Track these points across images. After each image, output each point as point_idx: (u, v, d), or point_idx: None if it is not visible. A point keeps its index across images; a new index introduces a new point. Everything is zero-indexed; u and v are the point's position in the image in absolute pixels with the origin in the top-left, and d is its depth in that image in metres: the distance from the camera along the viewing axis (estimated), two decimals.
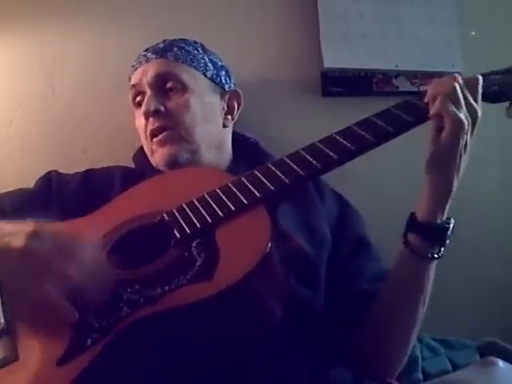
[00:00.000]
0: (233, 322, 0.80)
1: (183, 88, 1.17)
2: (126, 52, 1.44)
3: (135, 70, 1.21)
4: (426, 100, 0.93)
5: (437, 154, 0.92)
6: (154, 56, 1.20)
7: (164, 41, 1.24)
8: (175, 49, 1.20)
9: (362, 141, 0.89)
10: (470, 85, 0.93)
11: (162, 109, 1.15)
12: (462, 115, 0.88)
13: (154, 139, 1.16)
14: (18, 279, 0.76)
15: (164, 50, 1.20)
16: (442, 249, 0.96)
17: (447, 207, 0.96)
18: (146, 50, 1.23)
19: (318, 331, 1.03)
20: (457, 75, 0.93)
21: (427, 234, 0.96)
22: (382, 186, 1.55)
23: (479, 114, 0.92)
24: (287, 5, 1.57)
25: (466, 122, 0.88)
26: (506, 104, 0.99)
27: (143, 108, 1.16)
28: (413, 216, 0.98)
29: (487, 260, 1.66)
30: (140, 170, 1.22)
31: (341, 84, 1.57)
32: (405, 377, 1.14)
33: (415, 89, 1.61)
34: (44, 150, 1.43)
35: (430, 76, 1.62)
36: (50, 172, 1.20)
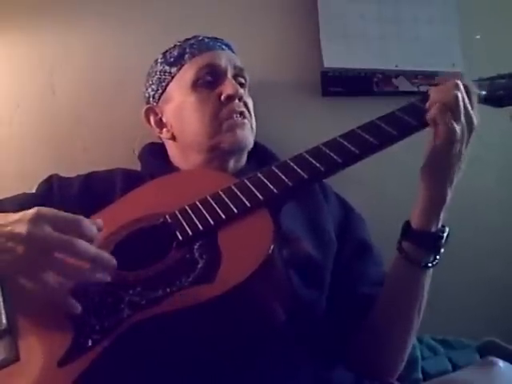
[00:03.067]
0: (235, 324, 0.80)
1: (246, 85, 1.23)
2: (126, 51, 1.45)
3: (208, 49, 1.20)
4: (427, 105, 0.93)
5: (430, 161, 0.93)
6: (227, 48, 1.24)
7: (217, 37, 1.26)
8: (234, 50, 1.27)
9: (366, 144, 0.89)
10: (468, 91, 0.92)
11: (244, 99, 1.18)
12: (456, 124, 0.88)
13: (234, 118, 1.15)
14: (23, 267, 0.76)
15: (231, 46, 1.27)
16: (438, 257, 0.96)
17: (441, 216, 0.96)
18: (208, 37, 1.24)
19: (321, 333, 1.04)
20: (459, 82, 0.93)
21: (421, 241, 0.96)
22: (384, 190, 1.56)
23: (475, 122, 0.91)
24: (287, 5, 1.58)
25: (459, 132, 0.88)
26: (510, 108, 0.99)
27: (231, 89, 1.15)
28: (407, 223, 0.98)
29: (487, 260, 1.66)
30: (146, 170, 1.22)
31: (341, 84, 1.57)
32: (405, 377, 1.14)
33: (415, 89, 1.61)
34: (44, 149, 1.43)
35: (430, 76, 1.62)
36: (51, 176, 1.19)
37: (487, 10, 1.72)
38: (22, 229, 0.76)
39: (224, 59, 1.19)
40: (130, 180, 1.15)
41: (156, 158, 1.24)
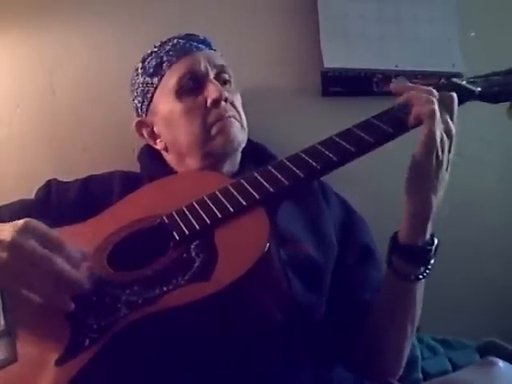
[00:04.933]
0: (232, 323, 0.80)
1: (231, 82, 1.20)
2: (126, 51, 1.45)
3: (185, 55, 1.17)
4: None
5: (411, 172, 0.91)
6: (204, 46, 1.20)
7: (189, 34, 1.23)
8: (212, 44, 1.23)
9: (361, 142, 0.89)
10: (444, 102, 0.91)
11: (230, 99, 1.16)
12: (437, 131, 0.87)
13: (219, 122, 1.13)
14: (8, 272, 0.76)
15: (210, 43, 1.23)
16: (428, 268, 0.95)
17: (428, 228, 0.94)
18: (182, 38, 1.21)
19: (320, 334, 1.04)
20: (433, 90, 0.92)
21: (408, 256, 0.95)
22: (380, 188, 1.56)
23: (454, 131, 0.90)
24: (287, 5, 1.57)
25: (438, 139, 0.87)
26: (507, 104, 0.99)
27: (215, 94, 1.12)
28: (395, 236, 0.97)
29: (487, 260, 1.66)
30: (145, 172, 1.22)
31: (341, 84, 1.57)
32: (405, 377, 1.14)
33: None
34: (44, 149, 1.43)
35: (429, 76, 1.62)
36: (50, 181, 1.19)
37: (487, 11, 1.72)
38: (7, 236, 0.76)
39: (203, 61, 1.16)
40: (128, 183, 1.15)
41: (153, 159, 1.23)
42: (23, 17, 1.42)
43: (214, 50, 1.23)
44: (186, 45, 1.19)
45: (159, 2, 1.50)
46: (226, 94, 1.14)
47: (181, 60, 1.17)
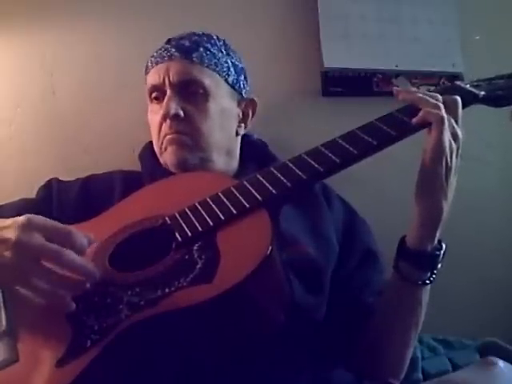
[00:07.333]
0: (234, 325, 0.79)
1: (205, 94, 1.13)
2: (127, 52, 1.45)
3: (156, 64, 1.16)
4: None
5: (420, 177, 0.91)
6: (178, 54, 1.14)
7: (188, 35, 1.19)
8: (201, 49, 1.15)
9: (364, 145, 0.89)
10: (449, 106, 0.91)
11: (182, 114, 1.11)
12: (445, 137, 0.87)
13: (168, 137, 1.13)
14: (11, 272, 0.76)
15: (189, 50, 1.15)
16: (434, 273, 0.95)
17: (437, 233, 0.94)
18: (168, 42, 1.18)
19: (320, 336, 1.03)
20: (438, 95, 0.92)
21: (416, 261, 0.95)
22: (383, 189, 1.56)
23: (460, 135, 0.90)
24: (287, 5, 1.58)
25: (447, 145, 0.87)
26: (510, 107, 0.98)
27: (163, 110, 1.12)
28: (403, 241, 0.97)
29: (488, 260, 1.66)
30: (146, 169, 1.22)
31: (341, 84, 1.58)
32: (405, 377, 1.14)
33: (415, 89, 1.61)
34: (44, 149, 1.43)
35: (429, 76, 1.63)
36: (50, 180, 1.19)
37: (487, 11, 1.72)
38: (11, 235, 0.76)
39: (162, 73, 1.13)
40: (129, 182, 1.14)
41: (153, 157, 1.22)
42: (23, 17, 1.41)
43: (201, 60, 1.15)
44: (164, 52, 1.16)
45: (159, 2, 1.50)
46: (173, 110, 1.11)
47: (153, 68, 1.17)
